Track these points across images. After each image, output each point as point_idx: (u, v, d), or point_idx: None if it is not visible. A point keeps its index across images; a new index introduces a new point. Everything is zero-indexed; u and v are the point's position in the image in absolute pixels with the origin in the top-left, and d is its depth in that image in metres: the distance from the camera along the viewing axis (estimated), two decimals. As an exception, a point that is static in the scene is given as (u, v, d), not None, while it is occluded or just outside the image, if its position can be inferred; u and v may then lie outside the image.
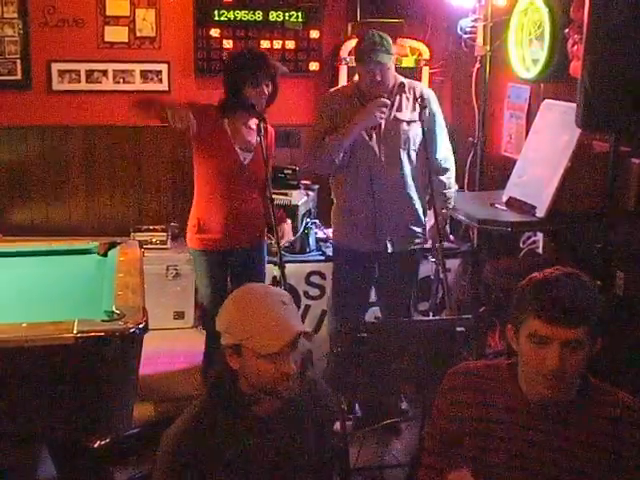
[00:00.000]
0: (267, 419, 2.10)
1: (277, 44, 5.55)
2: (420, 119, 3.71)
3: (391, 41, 3.72)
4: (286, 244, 4.27)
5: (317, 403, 2.22)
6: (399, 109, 3.82)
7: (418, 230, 3.96)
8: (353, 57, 3.94)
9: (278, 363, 2.03)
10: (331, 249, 4.41)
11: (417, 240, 3.98)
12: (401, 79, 3.86)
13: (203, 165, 3.93)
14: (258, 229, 4.01)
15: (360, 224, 3.89)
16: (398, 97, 3.83)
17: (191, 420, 2.09)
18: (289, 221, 4.32)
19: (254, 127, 3.83)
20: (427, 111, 3.77)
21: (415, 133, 3.80)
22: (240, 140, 3.89)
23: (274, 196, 3.73)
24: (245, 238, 3.96)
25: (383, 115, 3.75)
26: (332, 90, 4.07)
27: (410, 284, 4.10)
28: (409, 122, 3.81)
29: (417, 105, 3.75)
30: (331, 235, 4.25)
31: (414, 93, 3.85)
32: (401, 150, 3.82)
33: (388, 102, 3.76)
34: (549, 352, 1.88)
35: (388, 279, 4.02)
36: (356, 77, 3.96)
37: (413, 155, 3.84)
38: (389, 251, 3.91)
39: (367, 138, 3.80)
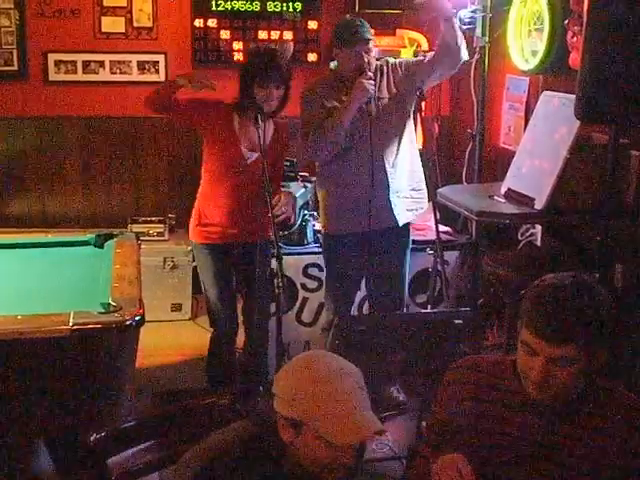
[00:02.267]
0: None
1: (275, 35, 5.52)
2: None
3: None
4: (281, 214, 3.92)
5: None
6: (380, 89, 3.87)
7: (417, 197, 4.04)
8: (334, 45, 3.88)
9: (341, 453, 1.82)
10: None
11: (418, 206, 4.06)
12: (378, 62, 3.92)
13: (209, 160, 3.92)
14: (262, 225, 3.83)
15: (360, 205, 3.89)
16: (379, 78, 3.87)
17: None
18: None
19: (266, 129, 3.80)
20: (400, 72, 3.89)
21: (402, 106, 3.87)
22: (247, 139, 3.84)
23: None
24: (248, 233, 3.89)
25: (373, 87, 3.77)
26: (311, 83, 4.06)
27: (403, 263, 4.12)
28: (392, 98, 3.87)
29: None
30: (325, 229, 4.16)
31: (387, 68, 3.91)
32: (394, 127, 3.87)
33: (372, 74, 3.78)
34: (535, 364, 1.86)
35: (382, 262, 4.04)
36: (332, 65, 3.98)
37: (407, 127, 3.92)
38: (392, 225, 3.95)
39: (360, 123, 3.82)
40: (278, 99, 3.76)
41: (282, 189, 4.06)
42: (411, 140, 4.00)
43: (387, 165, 3.88)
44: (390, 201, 3.91)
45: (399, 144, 3.91)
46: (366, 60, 3.74)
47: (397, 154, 3.91)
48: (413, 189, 4.02)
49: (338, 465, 1.83)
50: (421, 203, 4.07)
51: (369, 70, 3.76)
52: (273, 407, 1.89)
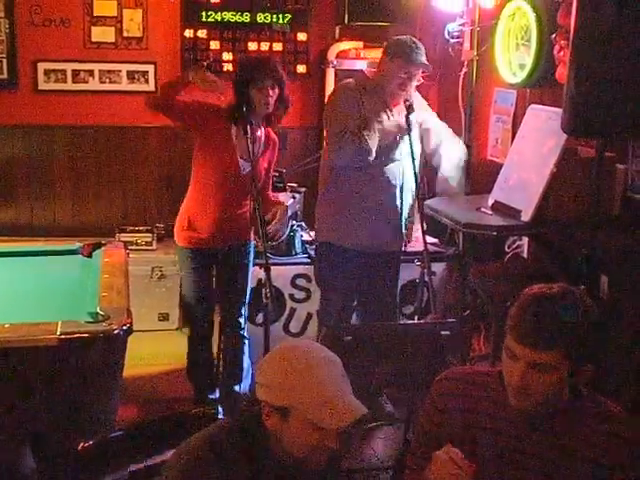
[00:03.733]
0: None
1: (264, 46, 5.55)
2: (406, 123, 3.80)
3: None
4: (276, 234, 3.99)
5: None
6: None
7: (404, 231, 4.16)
8: (387, 54, 3.83)
9: (326, 437, 1.86)
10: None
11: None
12: None
13: (202, 166, 3.89)
14: (246, 231, 3.99)
15: (383, 221, 3.96)
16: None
17: (203, 465, 1.88)
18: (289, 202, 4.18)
19: (260, 138, 3.85)
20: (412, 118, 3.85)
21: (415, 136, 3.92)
22: (243, 149, 3.80)
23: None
24: (232, 239, 3.95)
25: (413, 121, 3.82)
26: (345, 83, 3.96)
27: (397, 278, 4.23)
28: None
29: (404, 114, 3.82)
30: (323, 237, 4.12)
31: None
32: (410, 152, 3.85)
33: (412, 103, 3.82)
34: (516, 368, 1.88)
35: (377, 280, 4.10)
36: (366, 70, 3.99)
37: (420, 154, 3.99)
38: (402, 249, 4.13)
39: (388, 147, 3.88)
40: (274, 99, 3.76)
41: (273, 197, 4.10)
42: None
43: (405, 187, 3.98)
44: (401, 224, 4.05)
45: (418, 168, 3.90)
46: (413, 83, 3.77)
47: (414, 177, 3.89)
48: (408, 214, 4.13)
49: (323, 449, 1.87)
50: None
51: (409, 98, 3.79)
52: (256, 397, 1.90)
